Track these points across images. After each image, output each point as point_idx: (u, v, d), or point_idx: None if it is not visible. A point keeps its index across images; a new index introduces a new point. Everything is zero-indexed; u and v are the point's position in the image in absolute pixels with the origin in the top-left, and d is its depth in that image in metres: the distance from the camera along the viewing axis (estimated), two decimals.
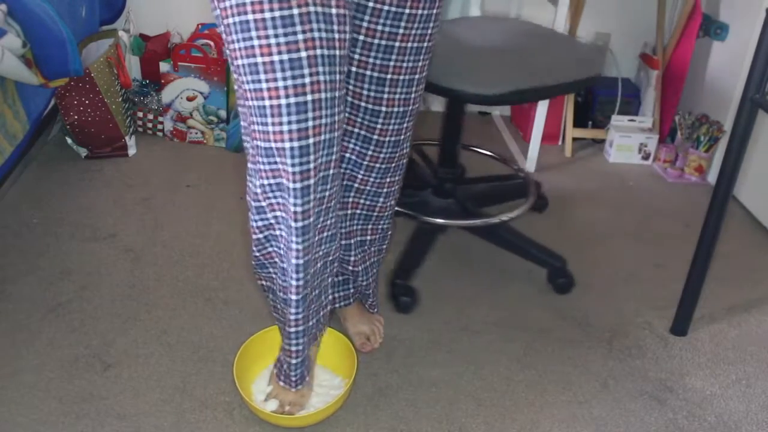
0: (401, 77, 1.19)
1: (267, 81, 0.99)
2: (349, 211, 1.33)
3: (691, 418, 1.36)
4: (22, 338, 1.43)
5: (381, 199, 1.33)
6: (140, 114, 2.27)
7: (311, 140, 1.02)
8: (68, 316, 1.50)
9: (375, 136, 1.24)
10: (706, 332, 1.60)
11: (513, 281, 1.72)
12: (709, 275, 1.53)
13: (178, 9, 2.39)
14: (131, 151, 2.16)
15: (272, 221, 1.15)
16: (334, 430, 1.28)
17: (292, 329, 1.20)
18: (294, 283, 1.14)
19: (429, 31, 1.18)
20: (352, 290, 1.44)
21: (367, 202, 1.33)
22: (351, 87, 1.20)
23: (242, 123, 1.14)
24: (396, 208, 1.47)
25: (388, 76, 1.18)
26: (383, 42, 1.15)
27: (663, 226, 2.03)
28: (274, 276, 1.24)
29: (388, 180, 1.31)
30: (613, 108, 2.46)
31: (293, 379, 1.27)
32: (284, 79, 0.98)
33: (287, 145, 1.01)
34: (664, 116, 2.44)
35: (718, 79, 2.30)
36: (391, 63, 1.17)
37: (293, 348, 1.23)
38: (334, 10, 1.00)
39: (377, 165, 1.28)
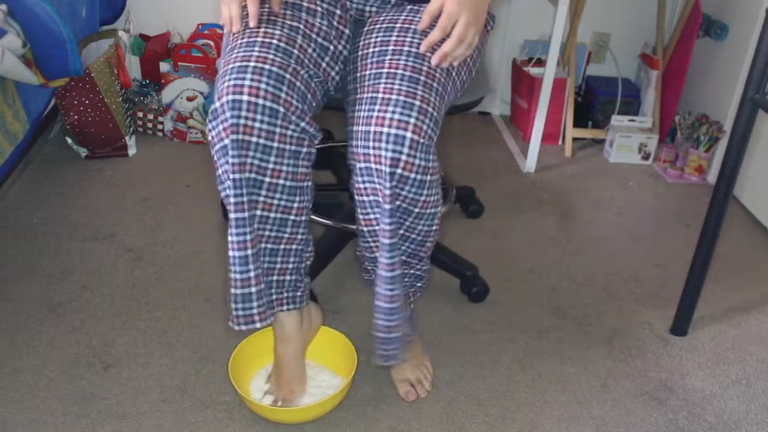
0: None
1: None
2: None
3: (691, 418, 1.36)
4: (22, 338, 1.43)
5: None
6: (140, 114, 2.27)
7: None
8: (68, 316, 1.50)
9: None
10: (706, 332, 1.60)
11: (512, 281, 1.72)
12: (709, 275, 1.53)
13: (178, 9, 2.39)
14: (131, 151, 2.16)
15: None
16: (334, 430, 1.28)
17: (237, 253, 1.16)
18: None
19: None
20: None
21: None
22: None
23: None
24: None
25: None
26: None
27: (663, 226, 2.03)
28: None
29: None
30: (613, 108, 2.46)
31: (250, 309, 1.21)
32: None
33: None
34: (664, 116, 2.44)
35: (718, 79, 2.30)
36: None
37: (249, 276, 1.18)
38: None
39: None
